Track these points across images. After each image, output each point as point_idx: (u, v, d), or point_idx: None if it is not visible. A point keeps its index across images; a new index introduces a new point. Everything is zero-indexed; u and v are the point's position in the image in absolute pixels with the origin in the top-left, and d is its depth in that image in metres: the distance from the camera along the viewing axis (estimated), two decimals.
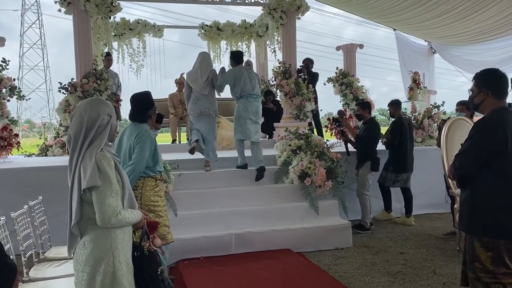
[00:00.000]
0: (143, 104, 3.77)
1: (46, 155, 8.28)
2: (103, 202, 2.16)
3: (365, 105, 6.49)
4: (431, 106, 8.19)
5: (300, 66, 8.53)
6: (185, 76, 6.29)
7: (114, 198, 2.19)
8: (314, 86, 8.61)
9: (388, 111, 6.76)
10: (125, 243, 2.30)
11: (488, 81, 2.66)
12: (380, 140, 6.50)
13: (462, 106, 5.83)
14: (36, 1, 53.01)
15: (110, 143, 2.39)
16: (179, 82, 8.63)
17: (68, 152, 8.07)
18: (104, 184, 2.17)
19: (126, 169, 3.57)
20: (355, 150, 6.40)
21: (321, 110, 8.69)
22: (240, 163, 6.13)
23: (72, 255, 2.34)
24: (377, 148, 6.31)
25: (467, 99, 5.97)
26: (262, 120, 6.26)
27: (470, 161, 2.60)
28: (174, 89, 8.85)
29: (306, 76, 8.40)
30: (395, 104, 6.60)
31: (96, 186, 2.15)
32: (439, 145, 5.55)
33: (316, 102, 8.49)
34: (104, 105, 2.34)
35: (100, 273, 2.20)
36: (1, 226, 3.02)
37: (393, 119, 6.66)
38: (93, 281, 2.20)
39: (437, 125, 7.12)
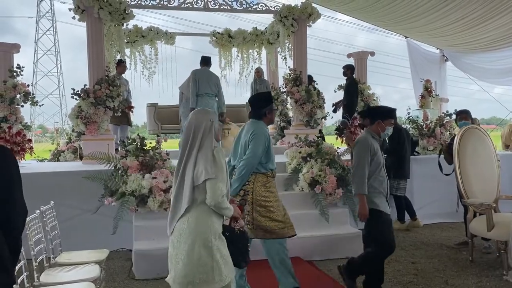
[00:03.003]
0: (258, 102, 4.00)
1: (58, 160, 8.38)
2: (215, 185, 2.66)
3: (364, 114, 6.38)
4: (443, 114, 8.11)
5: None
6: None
7: (222, 183, 2.71)
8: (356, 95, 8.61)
9: None
10: (219, 225, 2.78)
11: None
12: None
13: (464, 115, 5.75)
14: (51, 9, 54.05)
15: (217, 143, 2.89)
16: None
17: (80, 157, 8.16)
18: (218, 172, 2.68)
19: (240, 163, 3.81)
20: None
21: (331, 117, 8.65)
22: None
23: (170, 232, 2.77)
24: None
25: (475, 107, 5.94)
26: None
27: None
28: None
29: (345, 102, 8.50)
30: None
31: (213, 178, 2.65)
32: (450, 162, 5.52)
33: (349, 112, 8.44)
34: (207, 113, 2.87)
35: (200, 245, 2.64)
36: None
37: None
38: (192, 251, 2.64)
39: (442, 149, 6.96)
